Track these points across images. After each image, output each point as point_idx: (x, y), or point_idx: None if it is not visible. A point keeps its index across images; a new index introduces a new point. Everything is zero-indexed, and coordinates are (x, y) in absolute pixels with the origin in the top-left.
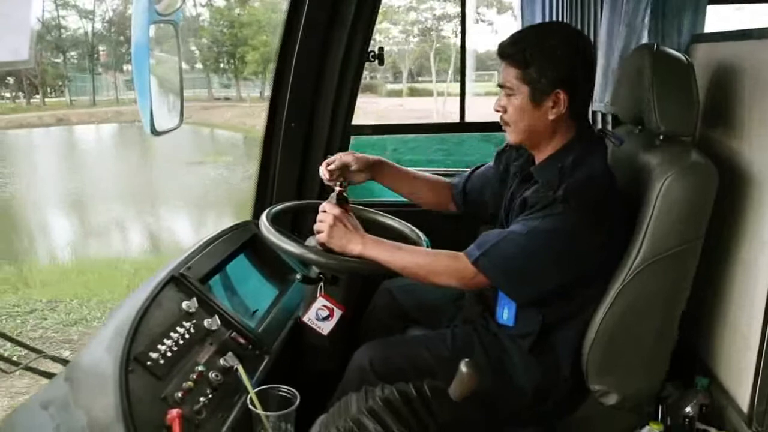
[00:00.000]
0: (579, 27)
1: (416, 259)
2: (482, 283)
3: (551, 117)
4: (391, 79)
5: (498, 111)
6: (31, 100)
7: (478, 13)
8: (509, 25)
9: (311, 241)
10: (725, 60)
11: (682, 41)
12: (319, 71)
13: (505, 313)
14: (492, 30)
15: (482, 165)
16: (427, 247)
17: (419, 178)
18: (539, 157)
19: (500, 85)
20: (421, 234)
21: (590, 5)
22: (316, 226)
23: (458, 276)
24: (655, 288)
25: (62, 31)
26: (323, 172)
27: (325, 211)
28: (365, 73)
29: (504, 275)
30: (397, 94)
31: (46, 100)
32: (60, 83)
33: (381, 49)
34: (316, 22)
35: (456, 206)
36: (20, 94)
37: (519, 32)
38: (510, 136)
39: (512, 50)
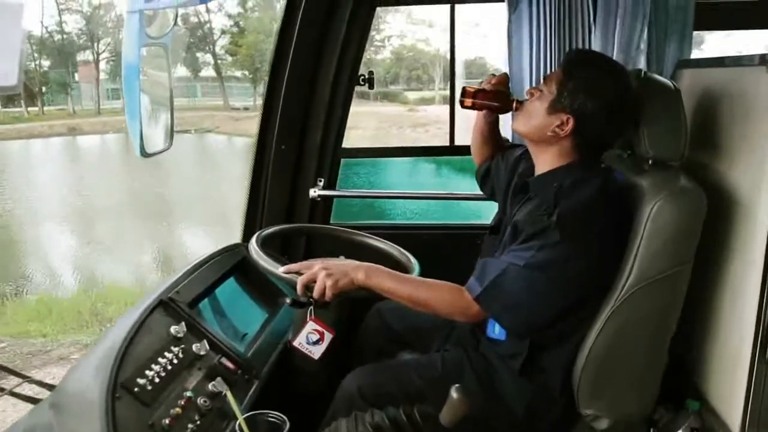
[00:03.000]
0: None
1: (421, 291)
2: (484, 316)
3: (549, 133)
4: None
5: (530, 93)
6: (29, 110)
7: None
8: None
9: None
10: (711, 85)
11: (668, 67)
12: (309, 94)
13: (497, 328)
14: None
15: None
16: (419, 270)
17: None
18: (538, 167)
19: (545, 77)
20: (411, 257)
21: (579, 29)
22: (303, 282)
23: (462, 312)
24: (645, 311)
25: (64, 36)
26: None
27: (302, 273)
28: None
29: (505, 311)
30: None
31: (45, 109)
32: (65, 92)
33: (371, 72)
34: (307, 45)
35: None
36: (13, 102)
37: (589, 51)
38: (515, 123)
39: (573, 61)
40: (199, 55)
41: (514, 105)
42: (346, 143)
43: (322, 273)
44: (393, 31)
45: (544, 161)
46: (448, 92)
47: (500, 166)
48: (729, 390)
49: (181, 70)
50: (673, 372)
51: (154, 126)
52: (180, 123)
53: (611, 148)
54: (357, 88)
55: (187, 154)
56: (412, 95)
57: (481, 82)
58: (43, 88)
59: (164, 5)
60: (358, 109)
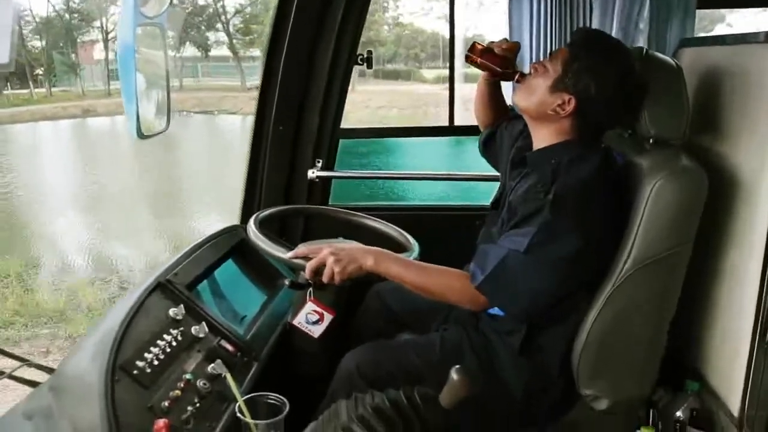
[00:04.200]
0: (568, 31)
1: (429, 279)
2: (491, 306)
3: (549, 111)
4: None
5: (534, 68)
6: (36, 91)
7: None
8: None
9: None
10: (713, 64)
11: (670, 46)
12: (307, 74)
13: None
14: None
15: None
16: (419, 251)
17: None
18: (535, 143)
19: (550, 53)
20: (410, 238)
21: (579, 8)
22: (312, 268)
23: (471, 300)
24: (645, 292)
25: (72, 16)
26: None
27: (310, 258)
28: None
29: (509, 299)
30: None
31: (51, 90)
32: (74, 72)
33: (369, 52)
34: (304, 24)
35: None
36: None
37: (597, 32)
38: (516, 96)
39: (579, 42)
40: (210, 34)
41: (517, 77)
42: (383, 122)
43: (331, 258)
44: (412, 8)
45: (542, 137)
46: (466, 71)
47: (504, 136)
48: (728, 372)
49: (192, 50)
50: (673, 353)
51: (151, 107)
52: (198, 104)
53: (611, 129)
54: (378, 68)
55: (217, 136)
56: (428, 74)
57: (492, 42)
58: (49, 69)
59: None
60: (387, 88)
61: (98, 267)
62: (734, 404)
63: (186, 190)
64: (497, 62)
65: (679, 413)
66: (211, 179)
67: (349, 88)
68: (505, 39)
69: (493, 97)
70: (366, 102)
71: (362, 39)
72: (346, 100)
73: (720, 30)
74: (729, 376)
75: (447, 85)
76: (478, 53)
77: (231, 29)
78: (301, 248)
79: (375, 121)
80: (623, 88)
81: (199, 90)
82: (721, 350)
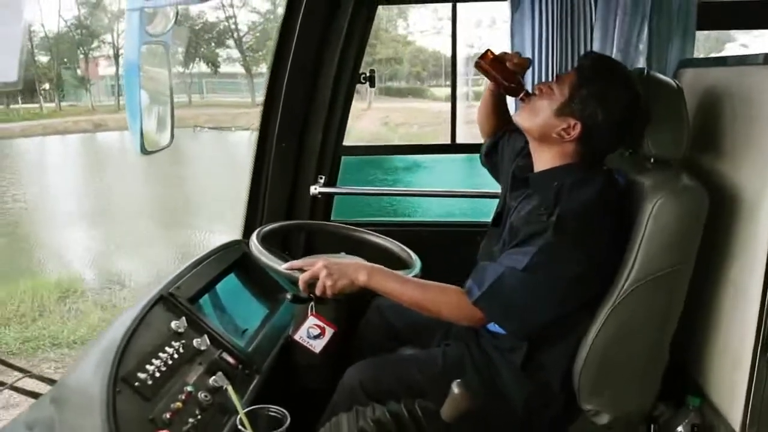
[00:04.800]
0: (569, 50)
1: (425, 295)
2: (487, 321)
3: (554, 135)
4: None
5: (540, 89)
6: (45, 105)
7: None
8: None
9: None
10: (713, 85)
11: (670, 66)
12: (310, 91)
13: None
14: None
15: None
16: (420, 267)
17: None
18: (537, 164)
19: (557, 76)
20: (412, 254)
21: (580, 28)
22: (305, 280)
23: (467, 316)
24: (646, 308)
25: (83, 31)
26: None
27: (304, 270)
28: None
29: (505, 315)
30: None
31: (61, 105)
32: (84, 87)
33: (372, 71)
34: (308, 43)
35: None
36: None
37: (605, 58)
38: (519, 116)
39: (588, 68)
40: (219, 50)
41: (522, 95)
42: (405, 139)
43: (323, 272)
44: (422, 26)
45: (544, 159)
46: (477, 88)
47: (505, 149)
48: (730, 387)
49: (195, 66)
50: (675, 369)
51: (155, 123)
52: (212, 121)
53: (614, 152)
54: (392, 86)
55: (234, 154)
56: (438, 91)
57: (505, 54)
58: (58, 84)
59: (164, 3)
60: (402, 105)
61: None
62: (735, 420)
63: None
64: (504, 74)
65: (680, 429)
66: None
67: (366, 105)
68: (518, 53)
69: (497, 107)
70: (383, 119)
71: (379, 57)
72: (365, 117)
73: (733, 50)
74: (730, 391)
75: (463, 103)
76: (488, 61)
77: (243, 47)
78: (297, 261)
79: (398, 139)
80: (630, 115)
81: (209, 106)
82: (722, 366)
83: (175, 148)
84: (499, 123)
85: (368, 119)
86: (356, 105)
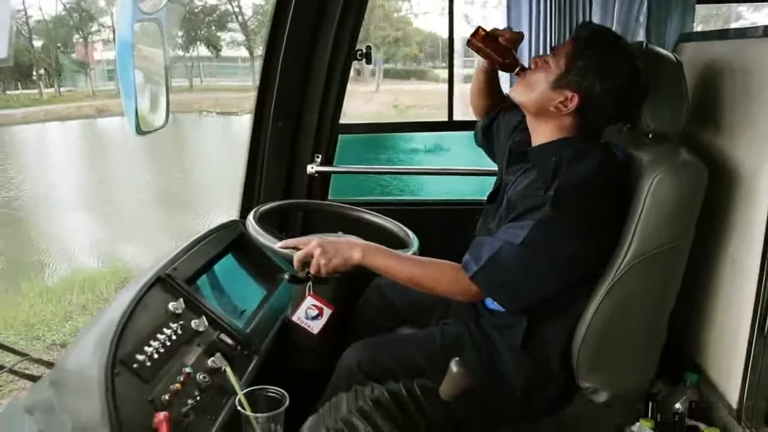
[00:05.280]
0: (567, 24)
1: (421, 271)
2: (484, 296)
3: (551, 108)
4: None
5: (535, 63)
6: (44, 91)
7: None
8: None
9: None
10: (713, 59)
11: (670, 40)
12: (306, 69)
13: None
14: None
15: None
16: (418, 245)
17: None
18: (534, 138)
19: (553, 48)
20: (410, 233)
21: (579, 2)
22: (299, 258)
23: (463, 291)
24: (644, 285)
25: (82, 14)
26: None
27: (299, 248)
28: None
29: (501, 290)
30: None
31: (61, 90)
32: (84, 72)
33: (369, 47)
34: (303, 20)
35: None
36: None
37: (602, 29)
38: (515, 91)
39: (584, 39)
40: (221, 33)
41: (518, 69)
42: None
43: (318, 250)
44: (427, 7)
45: (542, 133)
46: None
47: (500, 126)
48: (727, 363)
49: (202, 50)
50: (672, 346)
51: (150, 103)
52: (218, 105)
53: (612, 125)
54: (400, 68)
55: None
56: (442, 73)
57: (496, 30)
58: (57, 69)
59: None
60: (410, 87)
61: None
62: (733, 396)
63: None
64: (498, 51)
65: (678, 405)
66: None
67: (374, 88)
68: (510, 28)
69: (490, 85)
70: (392, 102)
71: (386, 38)
72: (373, 100)
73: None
74: (728, 368)
75: (467, 84)
76: (480, 39)
77: (248, 30)
78: (291, 240)
79: None
80: (628, 87)
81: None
82: (720, 342)
83: (186, 134)
84: (493, 102)
85: (376, 102)
86: (363, 88)
